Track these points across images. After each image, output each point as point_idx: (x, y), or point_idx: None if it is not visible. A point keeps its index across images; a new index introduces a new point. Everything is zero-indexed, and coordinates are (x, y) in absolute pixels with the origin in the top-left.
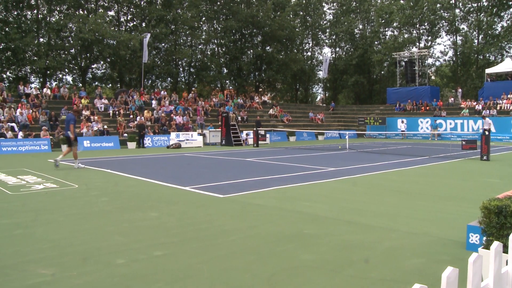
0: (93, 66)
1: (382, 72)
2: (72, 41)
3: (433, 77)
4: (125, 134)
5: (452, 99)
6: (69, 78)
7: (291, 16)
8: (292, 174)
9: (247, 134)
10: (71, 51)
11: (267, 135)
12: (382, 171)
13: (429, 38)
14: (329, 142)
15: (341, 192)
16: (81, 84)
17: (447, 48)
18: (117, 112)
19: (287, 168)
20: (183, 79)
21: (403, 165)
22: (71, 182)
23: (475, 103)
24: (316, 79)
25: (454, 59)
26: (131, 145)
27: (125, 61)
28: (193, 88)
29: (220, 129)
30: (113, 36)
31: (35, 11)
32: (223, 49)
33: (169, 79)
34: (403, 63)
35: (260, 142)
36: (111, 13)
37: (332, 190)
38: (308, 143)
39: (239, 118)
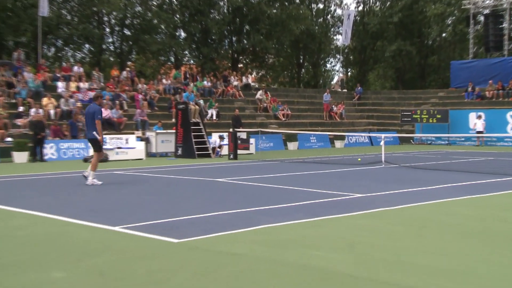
0: None
1: (444, 35)
2: None
3: None
4: (9, 139)
5: None
6: None
7: None
8: (292, 204)
9: (220, 138)
10: None
11: (252, 141)
12: (441, 199)
13: None
14: (352, 151)
15: (372, 234)
16: None
17: None
18: None
19: (283, 193)
20: (111, 47)
21: (478, 190)
22: None
23: None
24: (331, 48)
25: None
26: (20, 156)
27: (7, 13)
28: (128, 63)
29: (174, 131)
30: None
31: None
32: None
33: (87, 46)
34: (481, 19)
35: (240, 151)
36: None
37: (357, 231)
38: (319, 152)
39: (207, 113)
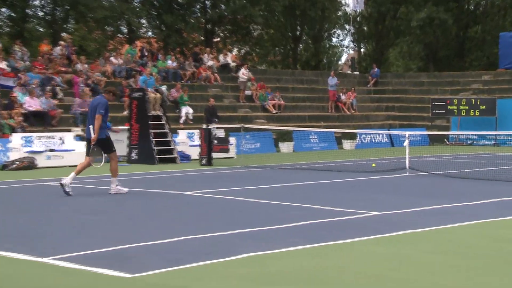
0: None
1: None
2: None
3: None
4: None
5: None
6: None
7: None
8: (285, 226)
9: (189, 137)
10: None
11: (232, 140)
12: (486, 219)
13: None
14: (366, 154)
15: (400, 266)
16: None
17: None
18: None
19: (273, 211)
20: (39, 13)
21: None
22: None
23: None
24: (339, 16)
25: None
26: None
27: None
28: (64, 35)
29: (127, 127)
30: None
31: None
32: None
33: (5, 10)
34: None
35: (216, 154)
36: None
37: (377, 261)
38: (321, 156)
39: (182, 113)
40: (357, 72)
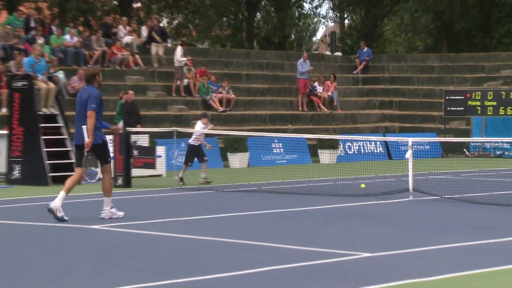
0: None
1: None
2: None
3: None
4: None
5: None
6: None
7: None
8: (237, 274)
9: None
10: None
11: (160, 151)
12: None
13: None
14: (353, 170)
15: None
16: None
17: None
18: None
19: (219, 253)
20: None
21: None
22: None
23: None
24: None
25: None
26: None
27: None
28: None
29: (6, 132)
30: None
31: None
32: None
33: None
34: None
35: (138, 171)
36: None
37: None
38: (289, 173)
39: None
40: (339, 53)
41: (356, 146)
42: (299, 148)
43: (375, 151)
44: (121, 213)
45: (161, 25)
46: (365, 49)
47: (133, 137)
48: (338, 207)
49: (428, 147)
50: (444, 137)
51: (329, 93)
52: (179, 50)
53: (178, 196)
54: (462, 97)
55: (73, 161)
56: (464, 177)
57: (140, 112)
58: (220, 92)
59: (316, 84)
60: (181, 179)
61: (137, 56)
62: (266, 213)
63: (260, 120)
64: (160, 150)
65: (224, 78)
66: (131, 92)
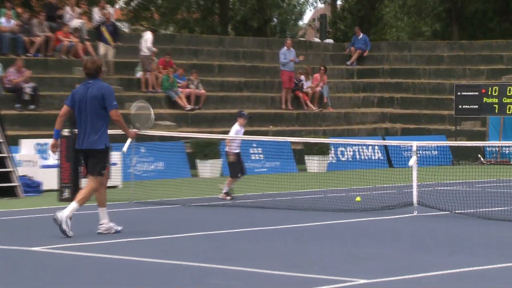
0: None
1: None
2: None
3: None
4: None
5: None
6: None
7: None
8: None
9: (40, 153)
10: None
11: (116, 158)
12: None
13: None
14: (348, 181)
15: None
16: None
17: None
18: None
19: (187, 280)
20: None
21: None
22: None
23: None
24: None
25: None
26: None
27: None
28: None
29: None
30: None
31: None
32: None
33: None
34: None
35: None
36: None
37: None
38: (271, 183)
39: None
40: (330, 41)
41: (350, 151)
42: (283, 154)
43: (373, 157)
44: (119, 227)
45: (116, 6)
46: (361, 36)
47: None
48: (329, 225)
49: (436, 152)
50: (455, 140)
51: (319, 88)
52: (149, 36)
53: (137, 212)
54: (477, 93)
55: (9, 169)
56: (479, 188)
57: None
58: (188, 87)
59: (302, 77)
60: (228, 193)
61: (87, 43)
62: (242, 231)
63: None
64: (115, 156)
65: (192, 70)
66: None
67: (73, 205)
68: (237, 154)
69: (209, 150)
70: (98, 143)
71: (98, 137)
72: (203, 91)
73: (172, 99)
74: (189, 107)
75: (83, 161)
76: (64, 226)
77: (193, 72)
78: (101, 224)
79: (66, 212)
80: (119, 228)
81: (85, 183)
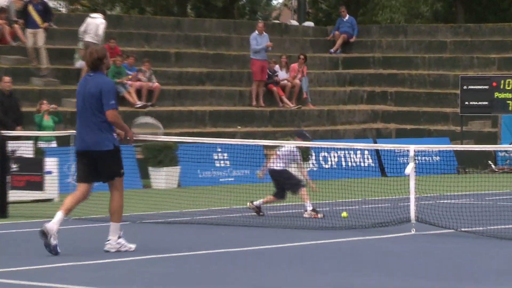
0: None
1: None
2: None
3: None
4: None
5: None
6: None
7: None
8: None
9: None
10: None
11: (51, 164)
12: None
13: None
14: (332, 193)
15: None
16: None
17: None
18: None
19: None
20: None
21: None
22: None
23: None
24: None
25: None
26: None
27: None
28: None
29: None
30: None
31: None
32: None
33: None
34: None
35: (19, 194)
36: None
37: None
38: (239, 195)
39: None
40: (309, 23)
41: (334, 157)
42: (253, 161)
43: (362, 164)
44: (132, 246)
45: None
46: (347, 18)
47: (11, 145)
48: (309, 245)
49: (438, 158)
50: (461, 144)
51: (297, 81)
52: (102, 20)
53: (76, 231)
54: (486, 87)
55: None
56: (490, 201)
57: (21, 107)
58: (139, 79)
59: (277, 67)
60: (259, 209)
61: (16, 26)
62: (202, 254)
63: (196, 120)
64: (51, 163)
65: (144, 59)
66: (7, 79)
67: (59, 215)
68: (278, 172)
69: (164, 155)
70: (106, 144)
71: (103, 137)
72: (156, 84)
73: (119, 94)
74: (139, 103)
75: (81, 165)
76: (52, 241)
77: (145, 62)
78: (109, 240)
79: (53, 225)
80: (132, 246)
81: (75, 193)
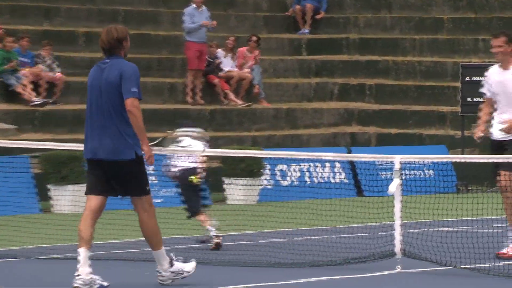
0: None
1: None
2: None
3: None
4: None
5: None
6: None
7: None
8: None
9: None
10: None
11: None
12: None
13: None
14: (292, 219)
15: None
16: None
17: None
18: None
19: None
20: None
21: None
22: None
23: None
24: None
25: None
26: None
27: None
28: None
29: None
30: None
31: None
32: None
33: None
34: None
35: None
36: None
37: None
38: (168, 222)
39: None
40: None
41: (296, 171)
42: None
43: (333, 180)
44: (190, 268)
45: None
46: None
47: None
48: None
49: (432, 172)
50: (461, 153)
51: (246, 71)
52: None
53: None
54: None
55: None
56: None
57: None
58: (39, 68)
59: (220, 52)
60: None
61: None
62: None
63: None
64: None
65: (43, 41)
66: None
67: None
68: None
69: (70, 169)
70: (125, 152)
71: (123, 142)
72: (60, 74)
73: (10, 87)
74: (36, 100)
75: (93, 176)
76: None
77: (45, 45)
78: (159, 271)
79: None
80: (189, 270)
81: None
